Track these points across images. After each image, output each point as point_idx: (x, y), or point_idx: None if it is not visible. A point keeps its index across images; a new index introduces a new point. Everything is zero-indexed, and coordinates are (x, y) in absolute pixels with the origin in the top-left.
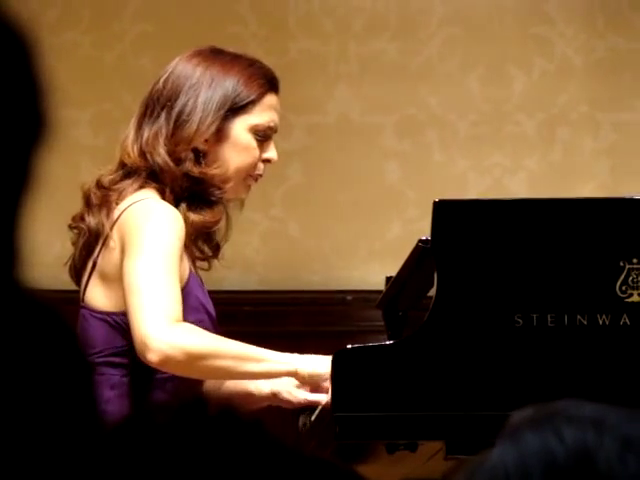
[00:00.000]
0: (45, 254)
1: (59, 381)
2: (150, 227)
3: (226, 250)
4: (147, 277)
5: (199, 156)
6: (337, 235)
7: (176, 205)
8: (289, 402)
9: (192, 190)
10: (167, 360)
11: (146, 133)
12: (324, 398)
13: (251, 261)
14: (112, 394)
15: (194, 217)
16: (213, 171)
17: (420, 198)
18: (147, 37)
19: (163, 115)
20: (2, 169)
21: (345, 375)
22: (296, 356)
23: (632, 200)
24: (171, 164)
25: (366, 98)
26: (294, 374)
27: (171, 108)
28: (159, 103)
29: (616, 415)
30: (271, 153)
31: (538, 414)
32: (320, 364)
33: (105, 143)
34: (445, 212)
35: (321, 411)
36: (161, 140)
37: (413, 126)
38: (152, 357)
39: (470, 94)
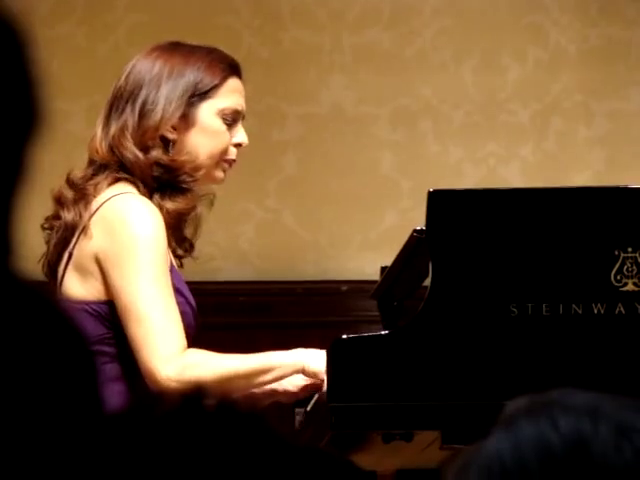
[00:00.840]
0: (38, 246)
1: (62, 370)
2: (134, 230)
3: (220, 241)
4: (147, 304)
5: (168, 145)
6: (332, 225)
7: (150, 196)
8: (290, 392)
9: (163, 179)
10: None
11: (113, 128)
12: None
13: (246, 252)
14: (108, 390)
15: (169, 205)
16: (183, 157)
17: (414, 188)
18: (140, 28)
19: (128, 109)
20: None
21: (340, 365)
22: (300, 352)
23: (626, 189)
24: (140, 155)
25: (360, 88)
26: (302, 371)
27: (134, 101)
28: (122, 99)
29: (611, 403)
30: (240, 137)
31: (533, 403)
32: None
33: None
34: (440, 202)
35: (317, 401)
36: (127, 133)
37: (407, 116)
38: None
39: (464, 84)
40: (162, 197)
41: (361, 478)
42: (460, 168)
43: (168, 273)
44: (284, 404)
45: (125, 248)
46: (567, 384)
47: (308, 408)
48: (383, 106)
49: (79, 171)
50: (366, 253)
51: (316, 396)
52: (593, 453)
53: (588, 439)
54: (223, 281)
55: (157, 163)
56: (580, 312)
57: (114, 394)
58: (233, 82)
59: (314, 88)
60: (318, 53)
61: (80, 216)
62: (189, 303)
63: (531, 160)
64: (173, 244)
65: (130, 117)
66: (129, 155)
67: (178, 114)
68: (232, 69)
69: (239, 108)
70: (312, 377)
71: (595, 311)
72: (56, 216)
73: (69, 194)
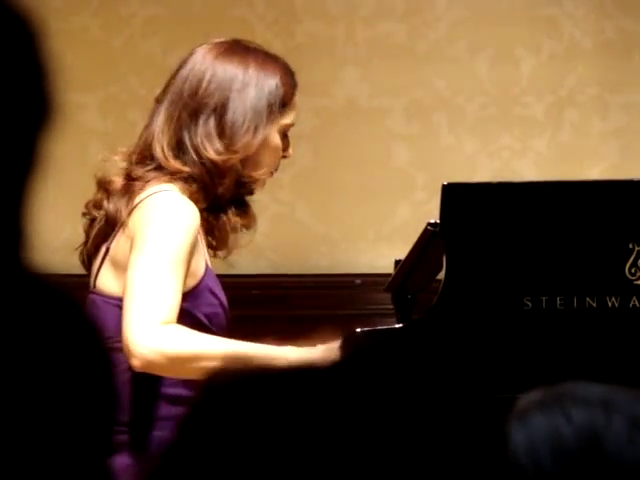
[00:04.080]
0: (53, 238)
1: (75, 364)
2: (161, 223)
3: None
4: (144, 277)
5: (242, 161)
6: (346, 218)
7: (212, 208)
8: None
9: (237, 194)
10: (149, 365)
11: (192, 136)
12: None
13: (260, 245)
14: (121, 379)
15: (241, 221)
16: (258, 174)
17: (429, 181)
18: (155, 21)
19: (213, 119)
20: (10, 153)
21: None
22: (290, 349)
23: None
24: (224, 169)
25: (374, 81)
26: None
27: (222, 113)
28: (207, 105)
29: (624, 396)
30: (290, 150)
31: (547, 396)
32: (313, 354)
33: (113, 127)
34: (454, 195)
35: None
36: (216, 144)
37: (421, 109)
38: (135, 362)
39: (478, 76)
40: (235, 213)
41: None
42: (474, 161)
43: (183, 262)
44: None
45: (147, 232)
46: (581, 377)
47: None
48: (397, 99)
49: (137, 165)
50: (380, 246)
51: None
52: (606, 445)
53: (601, 431)
54: (236, 274)
55: (237, 180)
56: (594, 305)
57: (134, 390)
58: (296, 98)
59: (328, 81)
60: (332, 46)
61: (120, 211)
62: (222, 305)
63: (545, 153)
64: (212, 242)
65: (216, 128)
66: (212, 167)
67: (262, 137)
68: (296, 84)
69: (294, 122)
70: None
71: (609, 304)
72: (97, 204)
73: (119, 182)
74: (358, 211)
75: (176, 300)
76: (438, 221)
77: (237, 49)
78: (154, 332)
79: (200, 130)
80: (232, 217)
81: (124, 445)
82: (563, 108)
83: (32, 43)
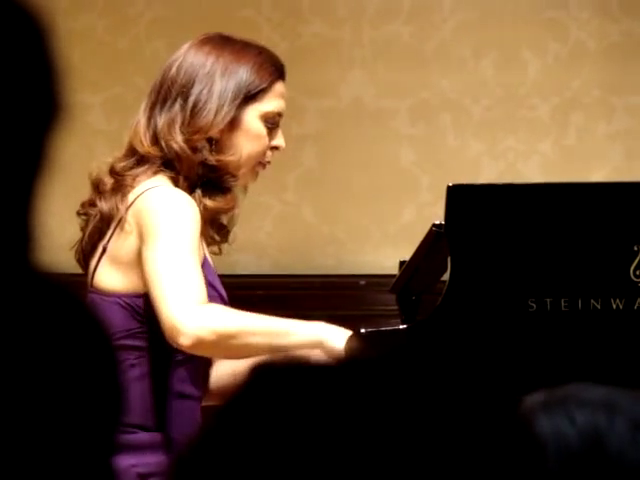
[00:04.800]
0: (59, 237)
1: (80, 362)
2: (167, 215)
3: (239, 234)
4: (169, 263)
5: (211, 144)
6: (351, 219)
7: (190, 192)
8: None
9: (207, 178)
10: (199, 342)
11: (160, 120)
12: None
13: (264, 245)
14: (126, 377)
15: (209, 204)
16: (228, 158)
17: (434, 182)
18: (161, 21)
19: (178, 103)
20: (17, 152)
21: None
22: (322, 327)
23: None
24: (188, 152)
25: (380, 82)
26: (320, 345)
27: (186, 96)
28: (173, 90)
29: (627, 398)
30: (279, 140)
31: (550, 398)
32: (344, 338)
33: (118, 127)
34: (459, 196)
35: None
36: (177, 128)
37: (427, 110)
38: (184, 341)
39: (484, 78)
40: (203, 194)
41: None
42: (479, 163)
43: (197, 252)
44: None
45: (155, 226)
46: (585, 379)
47: None
48: (403, 100)
49: (119, 160)
50: (385, 247)
51: None
52: (609, 447)
53: (604, 433)
54: (241, 274)
55: (203, 162)
56: (599, 307)
57: (140, 389)
58: (279, 86)
59: (334, 82)
60: (338, 47)
61: (117, 208)
62: (221, 296)
63: (550, 155)
64: (211, 233)
65: (180, 112)
66: (177, 150)
67: (228, 118)
68: (279, 72)
69: (281, 111)
70: (329, 354)
71: (614, 306)
72: (92, 203)
73: (108, 182)
74: (363, 212)
75: (203, 282)
76: (443, 222)
77: (215, 40)
78: (200, 310)
79: (166, 115)
80: (200, 199)
81: (135, 445)
82: (568, 110)
83: (41, 43)
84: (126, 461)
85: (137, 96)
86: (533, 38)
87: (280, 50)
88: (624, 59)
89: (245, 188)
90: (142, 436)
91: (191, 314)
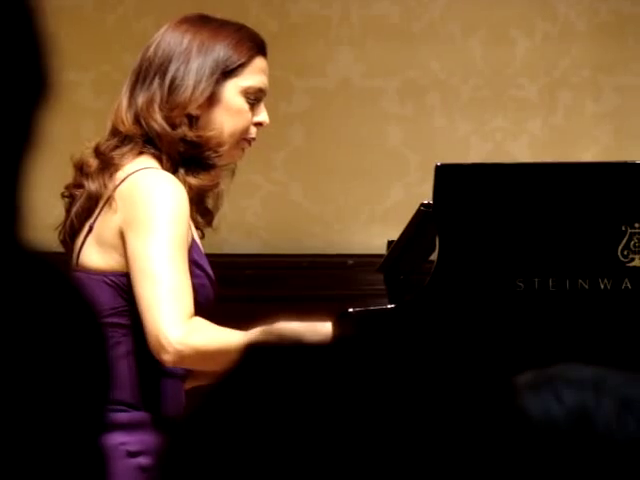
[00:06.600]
0: (46, 216)
1: (70, 340)
2: (157, 202)
3: (227, 214)
4: (162, 266)
5: (192, 121)
6: (339, 199)
7: (174, 171)
8: None
9: (188, 155)
10: (181, 361)
11: (140, 100)
12: None
13: (252, 225)
14: (112, 354)
15: (192, 181)
16: (208, 134)
17: (422, 162)
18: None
19: (156, 81)
20: (4, 130)
21: None
22: (305, 330)
23: (634, 165)
24: (167, 129)
25: (368, 61)
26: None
27: (164, 74)
28: (151, 70)
29: (615, 377)
30: (262, 116)
31: (538, 377)
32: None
33: (106, 105)
34: (447, 176)
35: None
36: (156, 106)
37: (415, 90)
38: (167, 358)
39: (472, 57)
40: (186, 172)
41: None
42: (468, 142)
43: (186, 246)
44: None
45: (146, 216)
46: (573, 359)
47: None
48: (391, 79)
49: (104, 140)
50: (373, 227)
51: None
52: (596, 425)
53: (591, 411)
54: (229, 254)
55: (183, 139)
56: (587, 287)
57: (126, 366)
58: (259, 61)
59: (322, 61)
60: (326, 26)
61: (105, 187)
62: (208, 276)
63: (539, 135)
64: (196, 217)
65: (158, 90)
66: (157, 128)
67: (207, 93)
68: (259, 48)
69: (262, 87)
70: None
71: (602, 286)
72: (78, 184)
73: (93, 163)
74: (351, 191)
75: (191, 290)
76: (431, 202)
77: (193, 19)
78: (186, 328)
79: (145, 94)
80: (184, 177)
81: (122, 423)
82: (557, 90)
83: (28, 20)
84: (115, 439)
85: (125, 74)
86: (521, 17)
87: (268, 29)
88: (613, 39)
89: (233, 170)
90: (130, 414)
91: (176, 332)
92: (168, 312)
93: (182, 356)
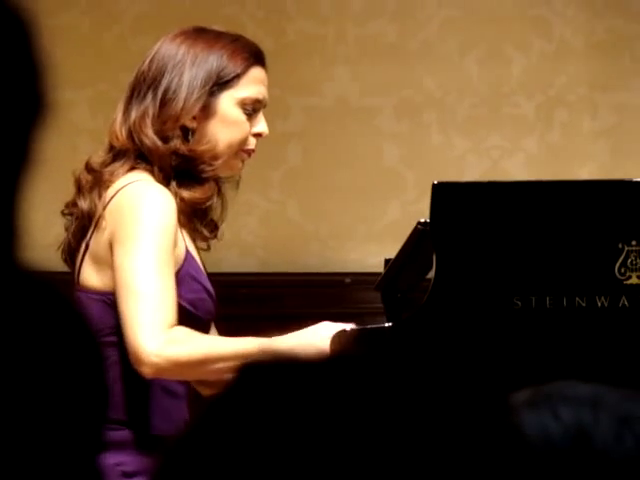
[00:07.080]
0: (44, 236)
1: (67, 360)
2: (143, 214)
3: (224, 232)
4: (142, 278)
5: (187, 134)
6: (336, 217)
7: (167, 184)
8: None
9: (182, 168)
10: (160, 372)
11: (133, 114)
12: None
13: (249, 243)
14: (111, 374)
15: (185, 194)
16: (202, 147)
17: (419, 180)
18: (145, 18)
19: (149, 95)
20: (1, 150)
21: None
22: (295, 340)
23: (631, 182)
24: (159, 143)
25: (364, 80)
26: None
27: (156, 88)
28: (145, 84)
29: (613, 395)
30: (261, 127)
31: (535, 395)
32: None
33: (103, 124)
34: (444, 194)
35: None
36: (148, 120)
37: (411, 108)
38: (145, 370)
39: (468, 76)
40: (179, 186)
41: None
42: (464, 160)
43: (172, 256)
44: None
45: (131, 228)
46: (570, 377)
47: None
48: (387, 98)
49: (98, 156)
50: (370, 245)
51: None
52: (594, 443)
53: (589, 429)
54: (226, 272)
55: (176, 152)
56: (584, 305)
57: (126, 386)
58: (255, 71)
59: (318, 79)
60: (322, 44)
61: (95, 205)
62: (207, 290)
63: (535, 153)
64: (200, 228)
65: (151, 104)
66: (148, 143)
67: (199, 105)
68: (255, 57)
69: (260, 98)
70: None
71: (599, 304)
72: (74, 203)
73: (87, 179)
74: (348, 210)
75: (175, 298)
76: (428, 220)
77: (188, 32)
78: (164, 339)
79: (138, 108)
80: (175, 190)
81: (119, 442)
82: (553, 108)
83: (25, 40)
84: (111, 459)
85: (122, 93)
86: (518, 35)
87: (265, 47)
88: (609, 56)
89: (237, 184)
90: (127, 434)
91: (152, 344)
92: (145, 324)
93: (159, 368)
